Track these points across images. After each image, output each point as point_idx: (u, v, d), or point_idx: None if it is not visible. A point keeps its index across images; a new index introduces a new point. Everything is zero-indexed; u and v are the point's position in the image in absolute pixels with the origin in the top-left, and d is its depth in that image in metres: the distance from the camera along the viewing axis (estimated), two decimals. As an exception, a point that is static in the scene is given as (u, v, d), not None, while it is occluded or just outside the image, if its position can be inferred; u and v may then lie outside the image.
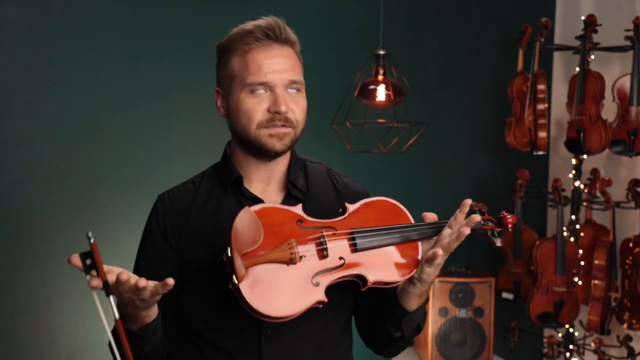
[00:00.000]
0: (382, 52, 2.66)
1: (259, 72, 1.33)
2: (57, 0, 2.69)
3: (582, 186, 3.10)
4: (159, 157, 2.82)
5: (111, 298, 1.15)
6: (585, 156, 3.09)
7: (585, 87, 2.92)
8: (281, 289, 1.22)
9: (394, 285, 1.32)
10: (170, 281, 1.16)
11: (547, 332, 3.48)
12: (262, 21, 1.37)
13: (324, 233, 1.28)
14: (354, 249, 1.28)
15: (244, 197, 1.40)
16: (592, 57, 2.99)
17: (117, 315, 1.15)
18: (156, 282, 1.17)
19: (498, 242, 1.39)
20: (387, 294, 1.40)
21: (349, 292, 1.41)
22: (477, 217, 1.34)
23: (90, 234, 1.15)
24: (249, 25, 1.37)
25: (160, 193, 1.48)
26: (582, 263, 3.05)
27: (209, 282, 1.36)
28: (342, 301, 1.41)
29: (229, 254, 1.19)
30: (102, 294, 1.15)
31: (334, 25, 3.16)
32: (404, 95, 2.67)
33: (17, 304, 2.72)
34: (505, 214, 1.41)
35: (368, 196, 1.48)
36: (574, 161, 3.12)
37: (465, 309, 3.00)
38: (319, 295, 1.23)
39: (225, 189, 1.42)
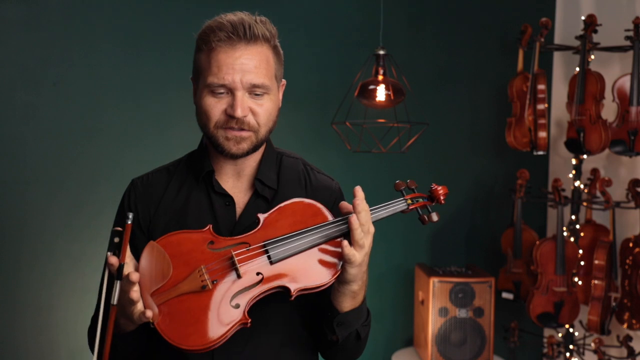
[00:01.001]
0: (382, 52, 2.65)
1: (218, 73, 1.29)
2: (57, 0, 2.69)
3: (582, 186, 3.10)
4: (159, 157, 2.80)
5: (118, 283, 1.15)
6: (585, 156, 3.09)
7: (585, 87, 2.92)
8: (198, 318, 1.19)
9: (323, 288, 1.26)
10: (134, 276, 1.16)
11: (547, 332, 3.48)
12: (229, 18, 1.32)
13: (233, 253, 1.23)
14: (270, 261, 1.24)
15: (214, 192, 1.39)
16: (592, 57, 2.99)
17: (115, 301, 1.14)
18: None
19: (434, 217, 1.33)
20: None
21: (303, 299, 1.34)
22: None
23: (130, 216, 1.17)
24: (217, 21, 1.32)
25: (135, 177, 1.47)
26: (582, 263, 3.05)
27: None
28: (295, 309, 1.37)
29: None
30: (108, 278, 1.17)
31: (334, 25, 3.16)
32: (404, 95, 2.67)
33: (17, 304, 2.72)
34: (436, 186, 1.36)
35: (337, 193, 1.47)
36: (574, 161, 3.12)
37: (465, 309, 3.00)
38: (239, 316, 1.20)
39: (197, 180, 1.41)
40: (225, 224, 1.37)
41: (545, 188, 3.39)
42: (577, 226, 3.09)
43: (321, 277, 1.25)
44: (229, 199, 1.39)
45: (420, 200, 1.36)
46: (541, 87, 3.07)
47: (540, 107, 3.07)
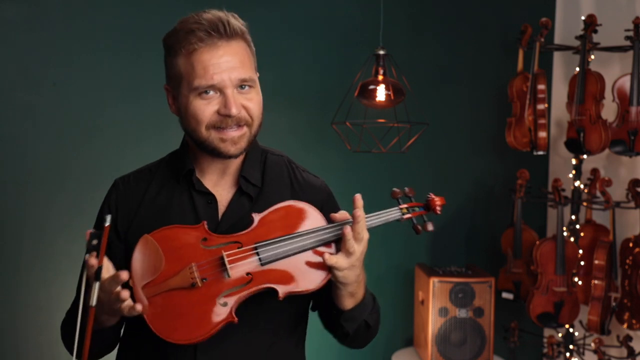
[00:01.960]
0: (382, 52, 2.65)
1: (206, 74, 1.27)
2: (57, 0, 2.69)
3: (582, 186, 3.10)
4: (159, 157, 2.81)
5: (97, 284, 1.16)
6: (585, 156, 3.09)
7: (585, 87, 2.92)
8: (186, 314, 1.21)
9: (311, 292, 1.26)
10: (124, 275, 1.17)
11: (547, 332, 3.48)
12: (204, 17, 1.29)
13: (224, 253, 1.24)
14: (260, 263, 1.25)
15: (195, 190, 1.39)
16: (592, 57, 2.99)
17: (94, 302, 1.15)
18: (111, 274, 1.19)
19: (429, 227, 1.33)
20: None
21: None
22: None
23: (108, 218, 1.17)
24: (192, 22, 1.29)
25: (118, 177, 1.47)
26: (582, 263, 3.05)
27: None
28: (283, 306, 1.35)
29: (130, 285, 1.20)
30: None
31: (334, 25, 3.16)
32: (404, 95, 2.67)
33: (17, 304, 2.72)
34: (433, 196, 1.36)
35: (326, 191, 1.46)
36: (574, 161, 3.12)
37: (465, 309, 3.00)
38: (226, 315, 1.21)
39: (178, 180, 1.41)
40: (208, 222, 1.35)
41: (545, 188, 3.39)
42: (577, 226, 3.09)
43: (310, 281, 1.26)
44: (210, 197, 1.38)
45: (417, 209, 1.36)
46: (541, 87, 3.07)
47: (540, 107, 3.07)
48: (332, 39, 3.15)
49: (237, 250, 1.25)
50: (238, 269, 1.24)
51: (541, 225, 3.56)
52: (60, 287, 2.73)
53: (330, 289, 1.32)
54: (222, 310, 1.22)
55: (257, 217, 1.30)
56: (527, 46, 3.16)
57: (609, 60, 3.14)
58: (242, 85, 1.31)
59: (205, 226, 1.28)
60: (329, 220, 1.30)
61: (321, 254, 1.25)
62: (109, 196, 1.45)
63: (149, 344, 1.35)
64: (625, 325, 2.92)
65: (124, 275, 1.17)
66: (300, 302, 1.41)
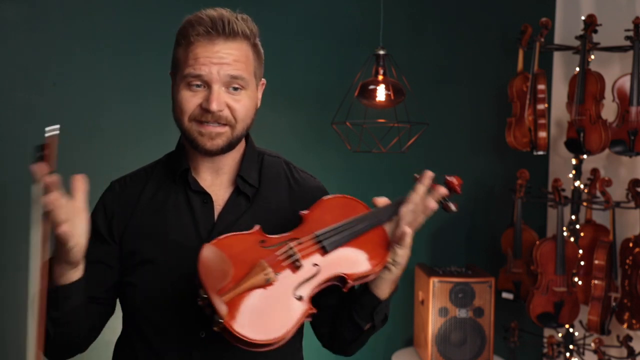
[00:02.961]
0: (382, 52, 2.65)
1: (195, 64, 1.28)
2: (57, 0, 2.69)
3: (582, 186, 3.10)
4: (159, 157, 2.82)
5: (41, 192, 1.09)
6: (585, 156, 3.09)
7: (585, 87, 2.92)
8: (268, 312, 1.18)
9: (374, 276, 1.30)
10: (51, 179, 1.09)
11: (547, 332, 3.48)
12: (209, 13, 1.31)
13: (291, 244, 1.25)
14: (324, 251, 1.26)
15: (191, 190, 1.38)
16: (592, 57, 2.99)
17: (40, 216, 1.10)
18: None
19: (453, 207, 1.38)
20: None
21: None
22: (444, 191, 1.34)
23: (57, 127, 1.12)
24: (196, 16, 1.32)
25: (114, 179, 1.47)
26: (582, 263, 3.05)
27: (152, 275, 1.35)
28: None
29: (204, 295, 1.14)
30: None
31: (334, 25, 3.16)
32: (404, 95, 2.67)
33: (17, 304, 2.72)
34: (450, 178, 1.42)
35: (325, 192, 1.47)
36: (574, 161, 3.12)
37: (465, 309, 3.00)
38: (306, 306, 1.21)
39: (174, 180, 1.40)
40: (204, 222, 1.36)
41: (545, 188, 3.39)
42: (577, 226, 3.09)
43: (372, 263, 1.29)
44: (206, 197, 1.38)
45: (442, 190, 1.40)
46: (541, 87, 3.07)
47: (540, 107, 3.07)
48: (332, 39, 3.15)
49: (298, 243, 1.26)
50: (306, 261, 1.25)
51: (541, 225, 3.56)
52: (60, 287, 2.74)
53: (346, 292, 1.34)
54: (300, 304, 1.21)
55: (303, 213, 1.32)
56: (527, 46, 3.16)
57: (609, 60, 3.14)
58: (233, 85, 1.30)
59: (261, 229, 1.28)
60: (371, 207, 1.35)
61: (380, 235, 1.31)
62: (104, 198, 1.45)
63: (145, 349, 1.36)
64: (625, 325, 2.92)
65: (51, 179, 1.10)
66: None
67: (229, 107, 1.30)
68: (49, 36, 2.68)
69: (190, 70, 1.29)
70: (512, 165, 3.34)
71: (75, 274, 1.26)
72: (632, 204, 2.92)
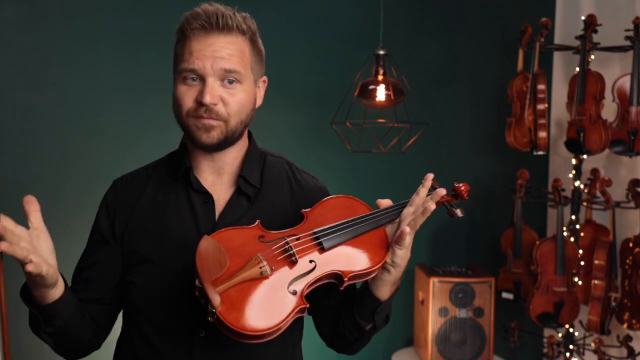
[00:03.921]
0: (382, 52, 2.65)
1: (190, 58, 1.29)
2: (57, 0, 2.69)
3: (582, 186, 3.10)
4: (159, 157, 2.82)
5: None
6: (585, 156, 3.09)
7: (585, 87, 2.92)
8: (260, 304, 1.20)
9: (371, 274, 1.30)
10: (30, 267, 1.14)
11: (547, 332, 3.48)
12: (205, 8, 1.32)
13: (288, 239, 1.26)
14: (321, 248, 1.27)
15: (193, 189, 1.39)
16: (592, 57, 2.99)
17: None
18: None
19: (459, 213, 1.38)
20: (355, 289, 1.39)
21: None
22: (442, 191, 1.33)
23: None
24: (193, 11, 1.33)
25: (117, 178, 1.48)
26: (582, 263, 3.05)
27: (152, 274, 1.36)
28: None
29: (199, 284, 1.17)
30: None
31: (334, 25, 3.16)
32: (404, 95, 2.67)
33: (17, 304, 2.71)
34: (458, 184, 1.41)
35: (326, 193, 1.47)
36: (574, 161, 3.12)
37: (465, 309, 3.01)
38: (298, 301, 1.22)
39: (176, 179, 1.41)
40: (204, 222, 1.36)
41: (545, 188, 3.39)
42: (577, 226, 3.09)
43: (370, 262, 1.29)
44: (207, 197, 1.38)
45: (446, 196, 1.40)
46: (541, 87, 3.07)
47: (540, 107, 3.07)
48: (332, 39, 3.15)
49: (296, 239, 1.27)
50: (302, 257, 1.26)
51: (541, 225, 3.56)
52: (60, 287, 2.74)
53: (347, 292, 1.35)
54: (293, 298, 1.22)
55: (305, 211, 1.33)
56: (527, 46, 3.16)
57: (609, 60, 3.14)
58: (228, 78, 1.30)
59: (260, 224, 1.30)
60: (374, 208, 1.35)
61: (380, 236, 1.31)
62: (106, 196, 1.45)
63: (146, 348, 1.36)
64: (625, 325, 2.92)
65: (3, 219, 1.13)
66: None
67: (223, 100, 1.30)
68: (49, 36, 2.69)
69: (185, 64, 1.29)
70: (512, 165, 3.34)
71: (57, 291, 1.27)
72: (632, 204, 2.92)
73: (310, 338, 1.56)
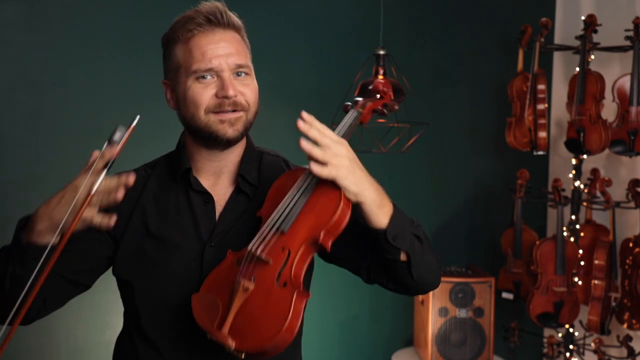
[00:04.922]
0: (382, 52, 2.65)
1: (204, 58, 1.30)
2: (57, 0, 2.69)
3: (582, 186, 3.10)
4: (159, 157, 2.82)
5: (104, 173, 1.25)
6: (585, 156, 3.09)
7: (585, 87, 2.92)
8: (263, 314, 1.21)
9: (344, 218, 1.25)
10: (131, 179, 1.22)
11: (547, 332, 3.48)
12: (202, 7, 1.34)
13: (251, 248, 1.26)
14: (282, 233, 1.26)
15: (193, 190, 1.39)
16: (592, 57, 2.99)
17: (94, 190, 1.27)
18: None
19: (396, 106, 1.40)
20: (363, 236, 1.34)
21: None
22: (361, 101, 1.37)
23: (137, 118, 1.24)
24: (190, 12, 1.35)
25: None
26: (582, 263, 3.05)
27: (152, 274, 1.36)
28: None
29: (209, 337, 1.22)
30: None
31: (334, 25, 3.16)
32: (404, 95, 2.67)
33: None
34: (372, 88, 1.44)
35: None
36: (574, 161, 3.12)
37: (465, 309, 3.00)
38: (294, 291, 1.22)
39: (175, 179, 1.41)
40: (205, 222, 1.37)
41: (545, 188, 3.39)
42: (577, 226, 3.09)
43: (330, 208, 1.26)
44: (207, 197, 1.39)
45: (369, 103, 1.41)
46: (541, 87, 3.07)
47: (540, 107, 3.07)
48: (332, 39, 3.15)
49: (260, 241, 1.27)
50: (270, 250, 1.25)
51: (541, 225, 3.56)
52: (60, 287, 2.74)
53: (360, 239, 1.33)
54: (286, 292, 1.22)
55: (260, 212, 1.33)
56: (527, 46, 3.16)
57: (609, 60, 3.14)
58: (238, 72, 1.33)
59: (231, 251, 1.30)
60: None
61: (324, 190, 1.27)
62: None
63: (146, 347, 1.37)
64: (625, 325, 2.92)
65: (131, 179, 1.21)
66: None
67: (240, 92, 1.33)
68: (49, 36, 2.68)
69: (200, 65, 1.30)
70: (512, 165, 3.34)
71: (51, 236, 1.28)
72: (632, 204, 2.92)
73: (311, 338, 1.56)
